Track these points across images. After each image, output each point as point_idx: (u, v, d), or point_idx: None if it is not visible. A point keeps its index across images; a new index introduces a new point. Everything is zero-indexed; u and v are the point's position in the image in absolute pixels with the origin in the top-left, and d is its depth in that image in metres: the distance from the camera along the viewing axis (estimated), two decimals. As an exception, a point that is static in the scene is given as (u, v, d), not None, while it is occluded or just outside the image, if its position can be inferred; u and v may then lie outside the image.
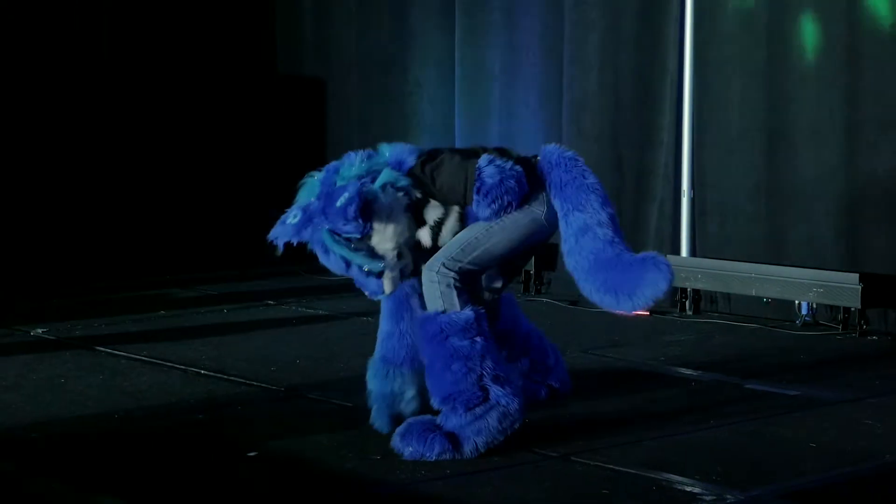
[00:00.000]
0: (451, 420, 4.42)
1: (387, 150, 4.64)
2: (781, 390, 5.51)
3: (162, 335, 6.82)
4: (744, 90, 7.33)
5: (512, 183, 4.48)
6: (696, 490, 4.08)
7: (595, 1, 7.94)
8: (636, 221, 7.81)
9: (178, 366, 6.02)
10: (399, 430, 4.45)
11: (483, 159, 4.52)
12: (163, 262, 9.41)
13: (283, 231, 4.52)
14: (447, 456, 4.35)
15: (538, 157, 4.63)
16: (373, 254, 4.52)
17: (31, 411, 5.16)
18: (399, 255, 4.56)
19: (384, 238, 4.52)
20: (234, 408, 5.28)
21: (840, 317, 6.84)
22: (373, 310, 7.57)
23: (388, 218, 4.50)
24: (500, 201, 4.47)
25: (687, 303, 7.48)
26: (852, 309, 6.73)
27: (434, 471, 4.26)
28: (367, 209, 4.43)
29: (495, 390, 4.43)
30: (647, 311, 7.42)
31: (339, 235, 4.46)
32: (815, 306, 6.97)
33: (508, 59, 8.30)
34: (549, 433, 4.63)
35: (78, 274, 8.97)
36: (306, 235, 4.51)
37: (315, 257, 4.56)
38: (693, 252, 7.57)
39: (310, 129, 9.92)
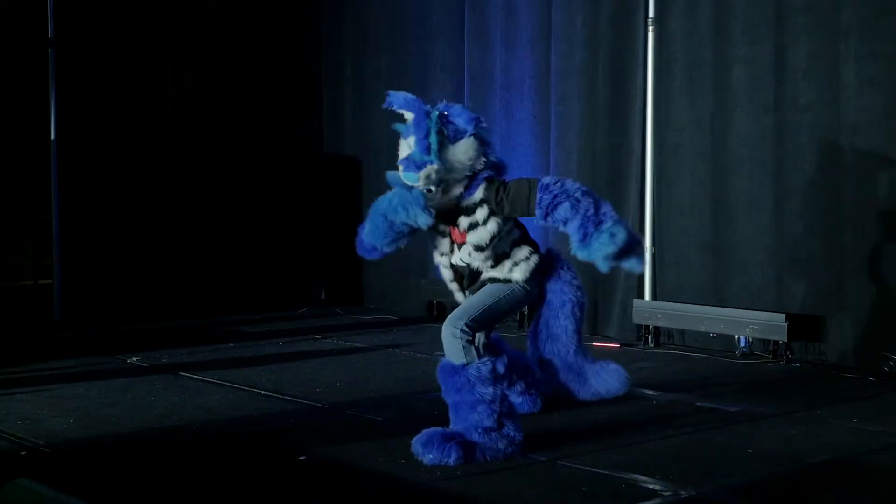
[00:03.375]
0: (471, 437, 4.42)
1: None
2: (725, 406, 5.50)
3: (230, 362, 6.82)
4: (693, 168, 7.34)
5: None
6: (658, 487, 4.07)
7: (576, 98, 7.98)
8: (610, 272, 7.77)
9: (243, 387, 6.03)
10: (420, 440, 4.41)
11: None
12: (231, 304, 9.44)
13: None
14: (461, 462, 4.33)
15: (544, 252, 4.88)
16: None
17: (128, 423, 5.18)
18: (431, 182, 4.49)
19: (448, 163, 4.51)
20: (288, 420, 5.28)
21: (770, 348, 6.82)
22: (399, 342, 7.64)
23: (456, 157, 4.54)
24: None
25: (650, 337, 7.45)
26: (780, 342, 6.72)
27: (448, 472, 4.26)
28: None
29: (508, 425, 4.46)
30: (617, 343, 7.51)
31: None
32: (751, 340, 6.95)
33: (504, 147, 8.31)
34: (539, 442, 4.61)
35: (165, 314, 9.01)
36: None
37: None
38: (654, 296, 7.55)
39: (348, 198, 9.94)
